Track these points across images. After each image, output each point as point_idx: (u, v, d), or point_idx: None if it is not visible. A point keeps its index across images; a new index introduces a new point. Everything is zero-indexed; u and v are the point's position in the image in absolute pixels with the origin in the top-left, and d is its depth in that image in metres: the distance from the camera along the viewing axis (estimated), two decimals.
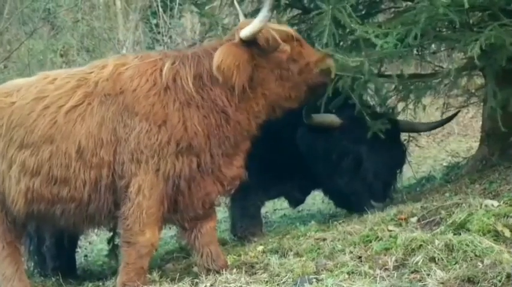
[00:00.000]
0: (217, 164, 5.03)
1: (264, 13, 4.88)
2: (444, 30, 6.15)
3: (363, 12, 6.61)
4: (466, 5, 4.97)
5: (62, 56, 19.86)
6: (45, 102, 5.17)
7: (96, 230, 5.98)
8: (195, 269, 5.37)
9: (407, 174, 9.09)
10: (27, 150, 5.13)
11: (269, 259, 5.14)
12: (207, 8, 6.97)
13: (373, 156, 6.32)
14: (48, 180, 5.08)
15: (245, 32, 4.91)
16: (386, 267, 4.63)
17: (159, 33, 18.19)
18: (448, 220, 5.10)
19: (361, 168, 6.40)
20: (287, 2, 6.95)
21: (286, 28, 5.22)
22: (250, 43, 4.94)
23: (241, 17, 5.56)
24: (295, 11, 7.22)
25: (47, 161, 5.06)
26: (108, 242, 6.80)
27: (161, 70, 5.01)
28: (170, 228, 7.08)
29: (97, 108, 5.02)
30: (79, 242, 7.50)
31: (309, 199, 7.77)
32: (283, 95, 5.11)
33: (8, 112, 5.29)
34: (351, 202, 6.59)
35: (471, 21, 5.86)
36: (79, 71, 5.37)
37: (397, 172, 6.80)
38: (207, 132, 4.94)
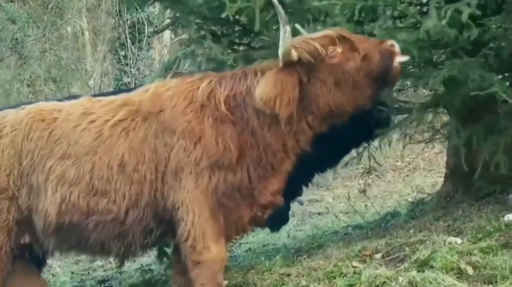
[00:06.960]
0: (253, 186, 4.94)
1: (283, 29, 4.67)
2: (410, 67, 6.23)
3: None
4: None
5: (28, 86, 19.81)
6: (91, 117, 5.17)
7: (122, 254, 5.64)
8: None
9: (372, 209, 9.16)
10: (69, 160, 5.08)
11: None
12: None
13: None
14: (88, 191, 5.02)
15: (280, 56, 4.77)
16: None
17: (127, 64, 18.25)
18: (412, 256, 5.11)
19: None
20: None
21: (324, 32, 4.91)
22: (295, 63, 4.77)
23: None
24: None
25: (88, 172, 5.02)
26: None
27: (198, 88, 5.01)
28: (134, 261, 7.01)
29: (140, 124, 5.04)
30: (42, 274, 7.38)
31: (275, 234, 7.71)
32: (344, 100, 4.86)
33: (50, 127, 5.23)
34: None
35: (434, 58, 5.95)
36: (125, 94, 5.44)
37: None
38: (242, 150, 4.89)
